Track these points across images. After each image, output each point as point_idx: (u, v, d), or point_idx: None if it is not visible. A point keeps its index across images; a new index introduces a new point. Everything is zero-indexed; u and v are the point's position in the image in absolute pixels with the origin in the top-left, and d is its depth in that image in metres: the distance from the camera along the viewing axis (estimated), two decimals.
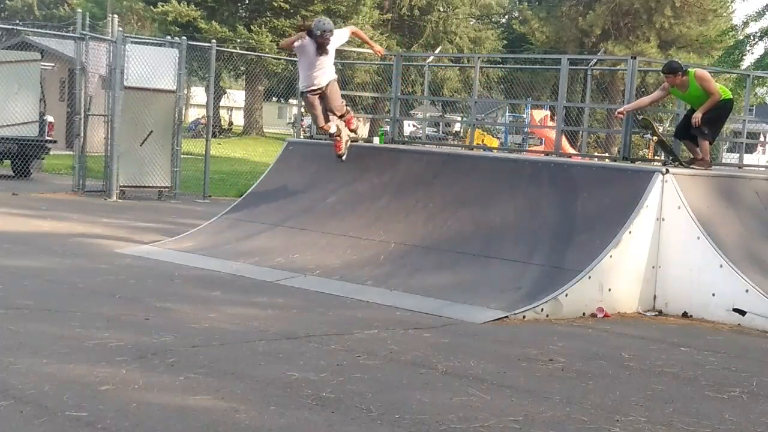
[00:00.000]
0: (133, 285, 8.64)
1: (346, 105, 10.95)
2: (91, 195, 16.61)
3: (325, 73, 10.43)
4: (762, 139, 37.60)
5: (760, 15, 31.23)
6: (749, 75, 16.23)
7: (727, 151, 24.67)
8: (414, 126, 43.77)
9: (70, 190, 17.04)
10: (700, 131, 10.18)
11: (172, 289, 8.65)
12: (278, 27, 38.83)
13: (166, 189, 17.05)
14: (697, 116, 10.02)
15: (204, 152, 17.88)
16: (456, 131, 41.43)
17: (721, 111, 10.26)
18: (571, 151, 19.08)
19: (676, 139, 10.77)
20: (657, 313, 8.88)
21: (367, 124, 44.34)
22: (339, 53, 11.57)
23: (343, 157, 10.92)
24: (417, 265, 9.34)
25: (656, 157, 12.44)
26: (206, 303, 8.01)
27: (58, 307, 7.46)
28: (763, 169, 17.75)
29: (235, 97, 54.40)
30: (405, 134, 31.01)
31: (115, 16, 19.02)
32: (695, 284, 8.79)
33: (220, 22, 38.81)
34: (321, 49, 10.21)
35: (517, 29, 45.22)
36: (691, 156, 10.51)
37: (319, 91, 10.48)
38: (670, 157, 10.69)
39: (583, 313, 8.41)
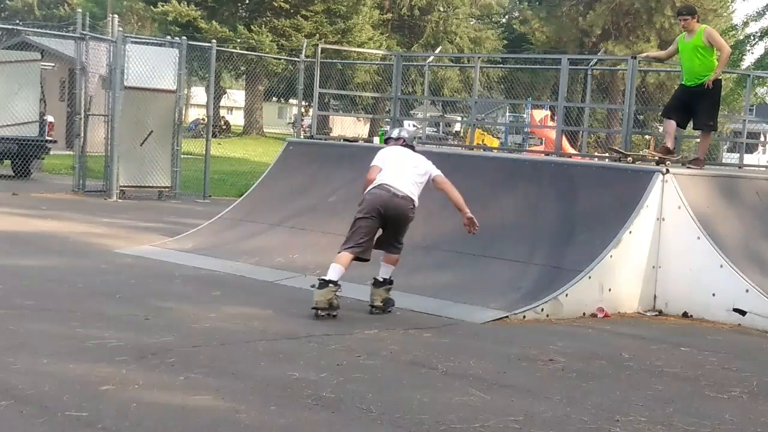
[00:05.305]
0: (133, 285, 8.64)
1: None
2: (91, 195, 16.60)
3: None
4: (762, 139, 37.58)
5: (760, 15, 31.27)
6: (749, 75, 16.24)
7: (728, 151, 24.68)
8: (414, 126, 43.70)
9: (70, 190, 17.03)
10: (706, 124, 10.09)
11: (172, 289, 8.65)
12: (278, 27, 38.80)
13: (167, 189, 17.04)
14: (710, 79, 9.82)
15: (204, 152, 17.89)
16: (456, 131, 41.41)
17: (718, 94, 10.18)
18: (571, 151, 19.08)
19: (664, 118, 10.45)
20: (657, 313, 8.87)
21: (367, 124, 44.35)
22: (339, 53, 11.56)
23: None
24: (417, 265, 9.32)
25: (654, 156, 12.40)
26: (206, 303, 8.00)
27: (58, 307, 7.46)
28: (764, 169, 17.74)
29: (235, 97, 54.39)
30: None
31: (115, 16, 19.02)
32: (695, 284, 8.77)
33: (220, 22, 38.77)
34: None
35: (517, 29, 45.17)
36: (664, 143, 10.14)
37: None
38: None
39: (584, 313, 8.40)
